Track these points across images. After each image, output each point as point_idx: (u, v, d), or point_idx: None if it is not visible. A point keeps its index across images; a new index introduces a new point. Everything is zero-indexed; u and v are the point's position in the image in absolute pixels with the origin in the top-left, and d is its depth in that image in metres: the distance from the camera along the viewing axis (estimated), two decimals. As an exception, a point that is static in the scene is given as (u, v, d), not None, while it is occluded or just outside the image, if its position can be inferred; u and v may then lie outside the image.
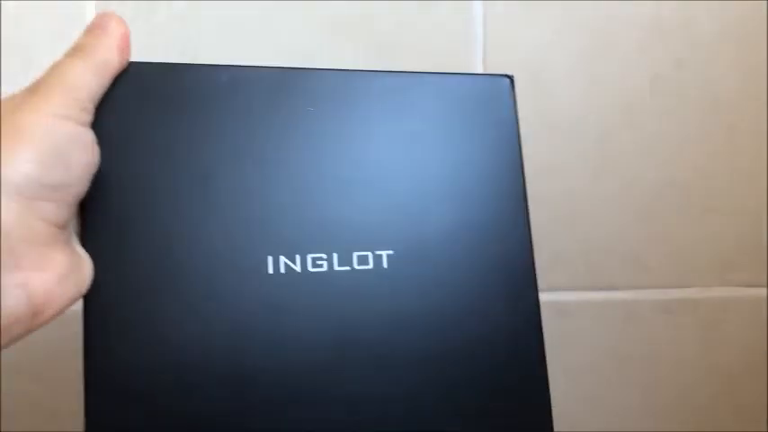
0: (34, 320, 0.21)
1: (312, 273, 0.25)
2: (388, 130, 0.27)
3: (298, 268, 0.25)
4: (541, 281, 0.43)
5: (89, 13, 0.41)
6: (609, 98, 0.43)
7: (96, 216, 0.24)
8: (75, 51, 0.23)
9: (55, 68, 0.23)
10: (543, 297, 0.44)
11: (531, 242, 0.28)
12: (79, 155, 0.22)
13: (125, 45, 0.24)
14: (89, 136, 0.23)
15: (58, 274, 0.22)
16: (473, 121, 0.28)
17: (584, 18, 0.43)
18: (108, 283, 0.24)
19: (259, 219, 0.25)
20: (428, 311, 0.26)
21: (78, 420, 0.43)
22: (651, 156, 0.44)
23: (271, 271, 0.25)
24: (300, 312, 0.25)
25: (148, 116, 0.25)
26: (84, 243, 0.24)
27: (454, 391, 0.26)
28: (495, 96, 0.29)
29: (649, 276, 0.44)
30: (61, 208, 0.22)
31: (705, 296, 0.44)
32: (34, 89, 0.22)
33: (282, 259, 0.25)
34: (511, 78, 0.29)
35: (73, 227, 0.24)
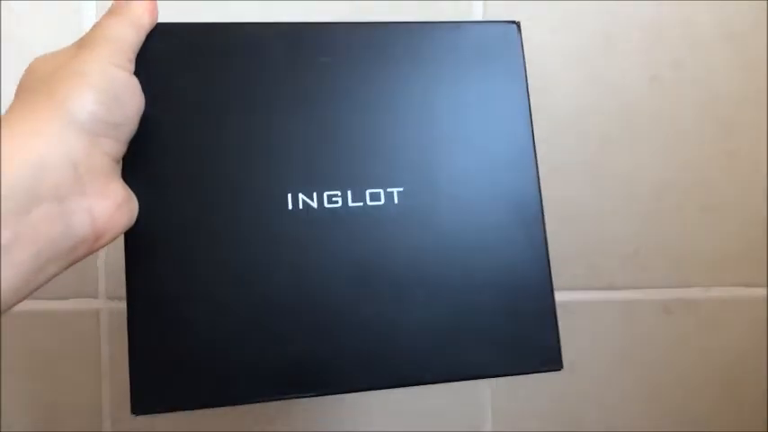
0: (95, 243, 0.24)
1: (328, 209, 0.27)
2: (401, 77, 0.29)
3: (315, 204, 0.27)
4: (541, 281, 0.43)
5: (89, 12, 0.41)
6: (609, 98, 0.43)
7: (133, 158, 0.26)
8: (112, 12, 0.26)
9: (97, 26, 0.26)
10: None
11: (538, 179, 0.29)
12: (131, 98, 0.25)
13: (152, 6, 0.27)
14: (136, 82, 0.26)
15: (116, 202, 0.24)
16: (483, 66, 0.30)
17: (584, 18, 0.43)
18: (146, 216, 0.26)
19: (279, 158, 0.27)
20: (437, 243, 0.28)
21: (78, 419, 0.43)
22: (651, 156, 0.44)
23: (290, 206, 0.27)
24: (319, 244, 0.27)
25: (176, 69, 0.27)
26: (127, 181, 0.26)
27: (467, 316, 0.27)
28: (502, 42, 0.30)
29: (649, 276, 0.44)
30: (119, 144, 0.25)
31: (705, 296, 0.44)
32: (82, 44, 0.25)
33: (301, 196, 0.27)
34: (517, 24, 0.31)
35: None
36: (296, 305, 0.27)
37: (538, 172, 0.29)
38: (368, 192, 0.28)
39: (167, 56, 0.28)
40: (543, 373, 0.28)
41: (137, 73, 0.26)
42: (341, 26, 0.29)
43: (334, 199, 0.27)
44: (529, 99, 0.30)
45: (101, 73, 0.24)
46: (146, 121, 0.26)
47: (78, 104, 0.23)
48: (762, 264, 0.44)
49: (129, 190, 0.26)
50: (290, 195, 0.27)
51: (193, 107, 0.27)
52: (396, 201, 0.28)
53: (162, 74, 0.27)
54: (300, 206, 0.27)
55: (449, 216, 0.28)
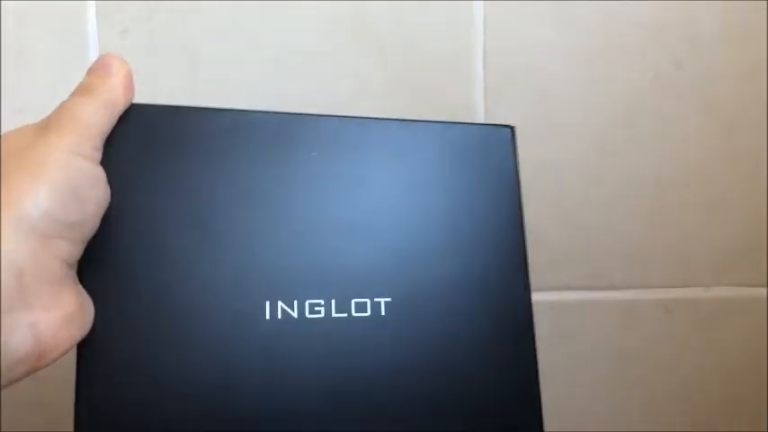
0: (39, 362, 0.21)
1: (309, 319, 0.25)
2: (389, 177, 0.27)
3: (295, 314, 0.25)
4: (541, 281, 0.43)
5: (89, 12, 0.41)
6: (609, 98, 0.43)
7: (94, 256, 0.23)
8: (82, 91, 0.23)
9: (64, 107, 0.23)
10: (543, 297, 0.44)
11: (529, 294, 0.28)
12: (93, 192, 0.22)
13: (129, 84, 0.24)
14: (101, 173, 0.23)
15: (65, 316, 0.21)
16: (473, 171, 0.28)
17: (585, 18, 0.43)
18: (103, 325, 0.23)
19: (258, 263, 0.25)
20: (426, 361, 0.26)
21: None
22: (651, 156, 0.44)
23: (268, 317, 0.25)
24: (297, 359, 0.25)
25: (149, 157, 0.25)
26: (83, 283, 0.23)
27: None
28: (495, 146, 0.29)
29: (649, 276, 0.44)
30: (74, 245, 0.22)
31: (705, 296, 0.44)
32: (45, 126, 0.22)
33: (280, 304, 0.25)
34: (512, 129, 0.29)
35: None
36: (269, 425, 0.24)
37: (528, 283, 0.28)
38: (353, 301, 0.26)
39: (137, 142, 0.25)
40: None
41: (102, 160, 0.23)
42: (328, 120, 0.27)
43: (316, 309, 0.25)
44: (521, 206, 0.29)
45: (60, 164, 0.21)
46: (109, 214, 0.23)
47: (28, 201, 0.20)
48: (762, 264, 0.44)
49: (84, 297, 0.23)
50: (268, 303, 0.25)
51: (165, 200, 0.25)
52: (383, 312, 0.26)
53: (130, 162, 0.24)
54: (279, 316, 0.25)
55: (436, 331, 0.26)
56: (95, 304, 0.23)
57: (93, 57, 0.41)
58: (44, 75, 0.41)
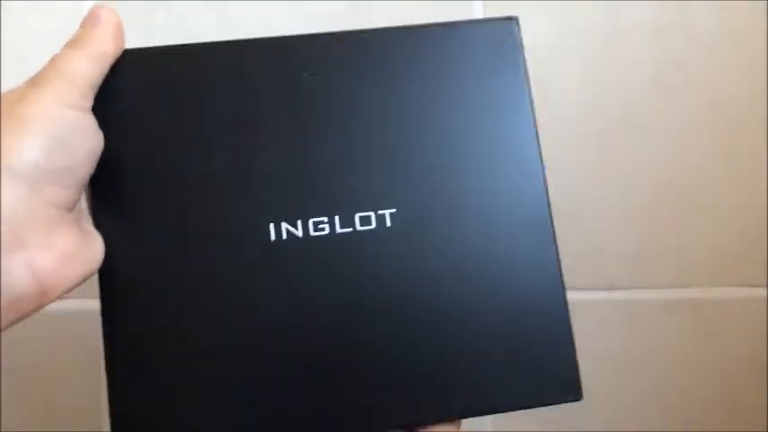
0: (43, 298, 0.23)
1: (314, 237, 0.25)
2: (391, 87, 0.26)
3: (299, 233, 0.25)
4: (541, 281, 0.43)
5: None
6: (609, 98, 0.43)
7: (105, 196, 0.25)
8: (71, 43, 0.24)
9: (53, 60, 0.24)
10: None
11: (546, 194, 0.27)
12: (81, 140, 0.23)
13: (119, 33, 0.25)
14: (90, 121, 0.24)
15: (63, 253, 0.23)
16: (481, 70, 0.27)
17: (585, 18, 0.43)
18: (119, 257, 0.25)
19: (260, 185, 0.25)
20: (437, 269, 0.25)
21: (78, 419, 0.43)
22: (651, 156, 0.44)
23: (273, 238, 0.25)
24: (305, 278, 0.25)
25: (146, 97, 0.26)
26: (96, 222, 0.25)
27: (476, 349, 0.25)
28: (502, 41, 0.28)
29: (649, 276, 0.44)
30: (67, 190, 0.23)
31: (705, 296, 0.44)
32: (34, 81, 0.23)
33: (284, 225, 0.25)
34: (516, 20, 0.28)
35: (85, 206, 0.26)
36: (284, 347, 0.24)
37: (546, 185, 0.27)
38: (357, 216, 0.25)
39: (135, 84, 0.25)
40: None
41: (102, 105, 0.24)
42: (324, 37, 0.27)
43: (320, 226, 0.25)
44: (532, 102, 0.27)
45: (45, 116, 0.22)
46: (114, 156, 0.25)
47: (16, 153, 0.21)
48: (762, 264, 0.44)
49: (87, 236, 0.24)
50: (272, 225, 0.25)
51: (164, 136, 0.25)
52: (388, 224, 0.25)
53: (130, 104, 0.25)
54: (284, 236, 0.25)
55: (448, 238, 0.25)
56: (110, 239, 0.25)
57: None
58: (44, 75, 0.41)
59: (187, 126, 0.25)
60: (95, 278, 0.41)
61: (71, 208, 0.24)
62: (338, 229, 0.25)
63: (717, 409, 0.44)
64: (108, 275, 0.25)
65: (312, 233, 0.25)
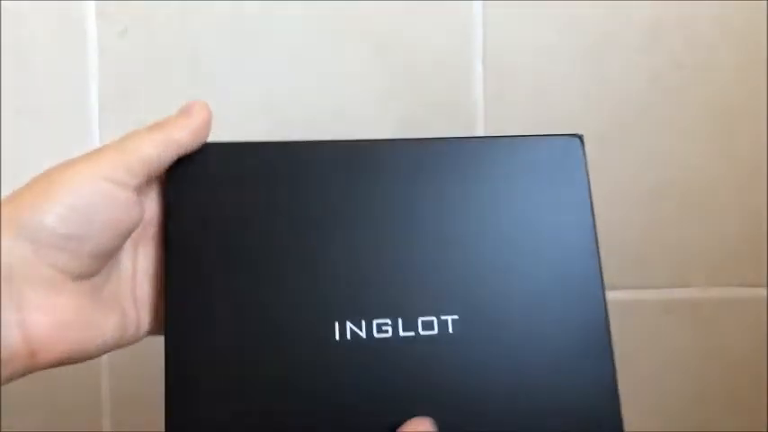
0: (33, 360, 0.22)
1: (377, 338, 0.25)
2: (455, 196, 0.27)
3: (363, 334, 0.25)
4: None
5: (89, 12, 0.41)
6: (609, 98, 0.43)
7: (176, 284, 0.25)
8: (152, 124, 0.25)
9: (123, 135, 0.25)
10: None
11: (605, 305, 0.27)
12: (108, 213, 0.23)
13: (202, 127, 0.26)
14: (128, 197, 0.24)
15: (60, 320, 0.23)
16: (544, 184, 0.28)
17: (585, 18, 0.43)
18: (183, 353, 0.25)
19: (326, 285, 0.26)
20: (496, 378, 0.25)
21: (78, 419, 0.43)
22: (651, 156, 0.44)
23: (338, 337, 0.25)
24: (366, 379, 0.25)
25: (225, 189, 0.26)
26: (167, 307, 0.25)
27: None
28: (564, 157, 0.28)
29: (649, 276, 0.44)
30: (78, 258, 0.23)
31: (705, 296, 0.44)
32: (95, 150, 0.24)
33: (348, 325, 0.25)
34: (580, 138, 0.29)
35: (121, 283, 0.26)
36: None
37: (605, 297, 0.27)
38: (420, 320, 0.26)
39: (214, 176, 0.26)
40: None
41: (178, 193, 0.26)
42: (394, 143, 0.28)
43: (384, 328, 0.25)
44: (594, 218, 0.28)
45: (73, 184, 0.23)
46: (186, 244, 0.26)
47: (29, 211, 0.22)
48: (762, 264, 0.44)
49: (98, 309, 0.24)
50: (337, 324, 0.25)
51: (236, 229, 0.26)
52: (450, 330, 0.26)
53: (208, 195, 0.26)
54: (348, 336, 0.25)
55: (507, 347, 0.26)
56: (179, 328, 0.25)
57: (92, 57, 0.41)
58: (44, 75, 0.41)
59: (256, 220, 0.26)
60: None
61: (83, 277, 0.24)
62: (401, 332, 0.25)
63: (716, 409, 0.44)
64: (173, 365, 0.25)
65: (375, 335, 0.25)
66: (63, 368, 0.40)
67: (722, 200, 0.44)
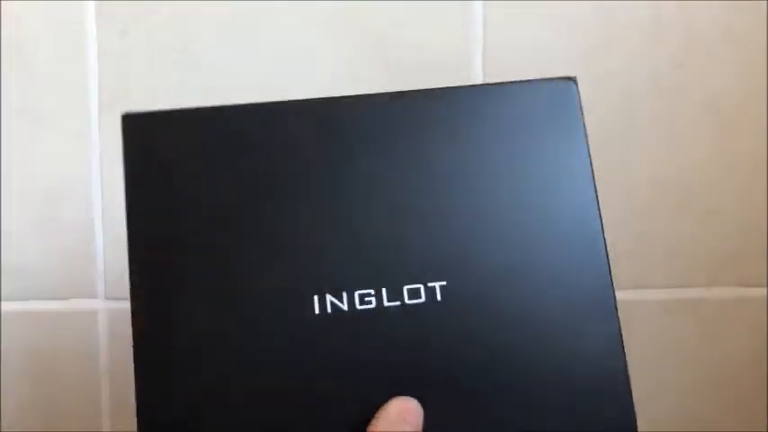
0: None
1: (360, 310, 0.24)
2: (439, 152, 0.25)
3: (345, 306, 0.24)
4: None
5: (89, 13, 0.41)
6: (609, 98, 0.43)
7: (139, 266, 0.24)
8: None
9: None
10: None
11: (608, 265, 0.25)
12: None
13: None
14: None
15: None
16: (539, 136, 0.25)
17: (585, 18, 0.43)
18: (157, 328, 0.24)
19: (303, 255, 0.24)
20: (490, 346, 0.24)
21: (78, 419, 0.43)
22: (651, 156, 0.44)
23: (317, 311, 0.24)
24: (350, 354, 0.23)
25: (184, 162, 0.25)
26: (133, 289, 0.24)
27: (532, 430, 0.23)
28: (557, 103, 0.26)
29: (649, 276, 0.44)
30: None
31: (705, 296, 0.44)
32: None
33: (329, 297, 0.24)
34: (574, 80, 0.26)
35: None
36: (325, 423, 0.23)
37: (608, 257, 0.25)
38: (405, 288, 0.24)
39: (174, 148, 0.24)
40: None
41: (138, 172, 0.24)
42: (370, 98, 0.26)
43: (366, 299, 0.24)
44: (593, 172, 0.26)
45: None
46: (152, 224, 0.24)
47: None
48: (762, 264, 0.44)
49: None
50: (316, 297, 0.24)
51: (205, 202, 0.24)
52: (438, 297, 0.24)
53: (167, 168, 0.24)
54: (329, 309, 0.23)
55: (501, 314, 0.24)
56: (148, 308, 0.24)
57: (92, 57, 0.41)
58: (44, 75, 0.41)
59: (225, 191, 0.24)
60: (97, 278, 0.41)
61: None
62: (385, 303, 0.24)
63: (717, 409, 0.44)
64: (145, 344, 0.23)
65: (358, 306, 0.24)
66: (62, 369, 0.40)
67: (722, 200, 0.44)
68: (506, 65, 0.43)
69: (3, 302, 0.41)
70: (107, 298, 0.41)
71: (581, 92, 0.43)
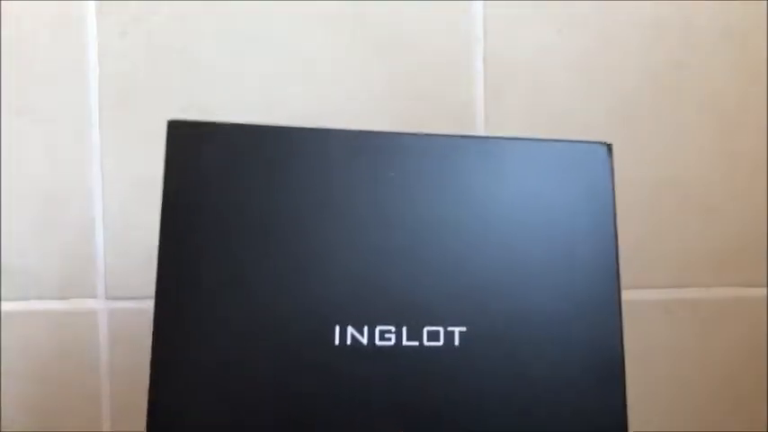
0: None
1: (378, 346, 0.24)
2: (472, 197, 0.25)
3: (364, 340, 0.24)
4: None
5: (89, 12, 0.41)
6: (608, 98, 0.43)
7: (170, 284, 0.24)
8: None
9: None
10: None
11: (621, 327, 0.25)
12: None
13: None
14: None
15: None
16: (565, 192, 0.26)
17: (585, 18, 0.43)
18: (177, 349, 0.23)
19: (328, 285, 0.24)
20: (500, 394, 0.24)
21: (78, 419, 0.43)
22: (651, 156, 0.44)
23: (337, 342, 0.24)
24: (364, 388, 0.24)
25: (223, 176, 0.24)
26: (159, 312, 0.24)
27: None
28: (589, 164, 0.26)
29: (649, 276, 0.44)
30: None
31: (705, 296, 0.44)
32: None
33: (350, 330, 0.24)
34: (609, 146, 0.27)
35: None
36: None
37: (621, 318, 0.26)
38: (426, 330, 0.24)
39: (215, 159, 0.24)
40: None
41: (181, 180, 0.24)
42: (409, 137, 0.26)
43: (386, 336, 0.24)
44: (616, 236, 0.26)
45: None
46: (185, 232, 0.24)
47: None
48: (762, 264, 0.44)
49: None
50: (338, 328, 0.24)
51: (239, 218, 0.24)
52: (456, 342, 0.24)
53: (207, 178, 0.24)
54: (348, 341, 0.24)
55: (514, 365, 0.24)
56: (170, 327, 0.23)
57: (92, 57, 0.41)
58: (44, 75, 0.41)
59: (260, 212, 0.24)
60: (97, 278, 0.41)
61: None
62: (404, 342, 0.24)
63: (717, 409, 0.44)
64: (163, 366, 0.23)
65: (377, 342, 0.24)
66: (62, 369, 0.40)
67: (722, 200, 0.44)
68: (506, 65, 0.43)
69: (3, 302, 0.41)
70: (107, 298, 0.41)
71: (581, 92, 0.43)
